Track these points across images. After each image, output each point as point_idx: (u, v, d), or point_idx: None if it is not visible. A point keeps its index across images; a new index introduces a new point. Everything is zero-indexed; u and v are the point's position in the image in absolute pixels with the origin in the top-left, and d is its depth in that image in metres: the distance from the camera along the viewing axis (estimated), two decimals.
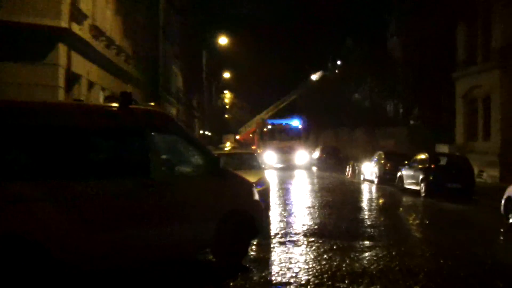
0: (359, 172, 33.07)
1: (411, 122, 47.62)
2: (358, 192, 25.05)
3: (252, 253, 10.68)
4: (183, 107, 50.32)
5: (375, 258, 10.42)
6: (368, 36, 58.10)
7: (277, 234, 12.89)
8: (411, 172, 23.95)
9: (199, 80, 58.00)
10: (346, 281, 8.80)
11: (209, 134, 70.79)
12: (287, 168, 41.50)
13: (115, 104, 8.96)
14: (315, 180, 31.84)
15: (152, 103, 10.93)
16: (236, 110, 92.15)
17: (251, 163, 18.28)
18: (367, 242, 11.99)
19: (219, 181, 9.64)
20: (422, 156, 23.89)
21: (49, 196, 7.61)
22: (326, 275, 9.14)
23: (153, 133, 8.94)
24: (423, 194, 22.15)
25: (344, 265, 9.86)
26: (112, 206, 8.13)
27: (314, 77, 73.74)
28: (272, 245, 11.58)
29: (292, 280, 8.84)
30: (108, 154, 8.65)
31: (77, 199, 7.83)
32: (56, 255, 7.55)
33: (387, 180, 27.66)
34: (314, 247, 11.38)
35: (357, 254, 10.76)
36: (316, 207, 18.18)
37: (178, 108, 46.85)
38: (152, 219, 8.51)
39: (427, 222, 16.11)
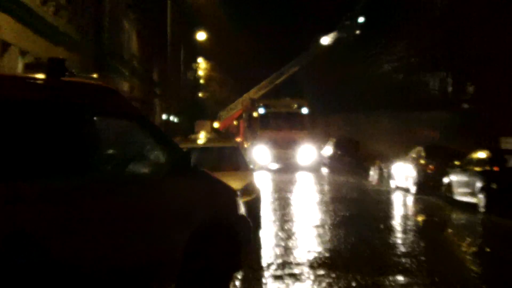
0: (389, 176, 33.12)
1: (465, 105, 47.68)
2: (386, 205, 25.09)
3: None
4: (138, 81, 50.27)
5: None
6: None
7: (271, 264, 12.85)
8: (464, 177, 23.94)
9: (162, 43, 57.83)
10: None
11: (176, 119, 70.75)
12: (286, 170, 41.58)
13: (40, 75, 8.86)
14: (326, 187, 31.92)
15: (94, 75, 10.89)
16: (215, 86, 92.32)
17: (235, 161, 18.27)
18: (400, 278, 11.96)
19: (188, 186, 9.63)
20: (481, 154, 23.88)
21: None
22: None
23: (94, 117, 8.86)
24: (482, 209, 22.09)
25: None
26: (31, 213, 7.97)
27: (325, 40, 73.87)
28: (263, 280, 11.56)
29: None
30: (27, 145, 8.44)
31: None
32: None
33: (429, 188, 27.71)
34: (323, 285, 11.33)
35: None
36: (326, 226, 18.19)
37: (132, 83, 46.79)
38: (87, 234, 8.37)
39: (488, 250, 16.08)
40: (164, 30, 56.51)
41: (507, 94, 40.47)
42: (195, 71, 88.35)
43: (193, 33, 72.40)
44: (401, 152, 34.19)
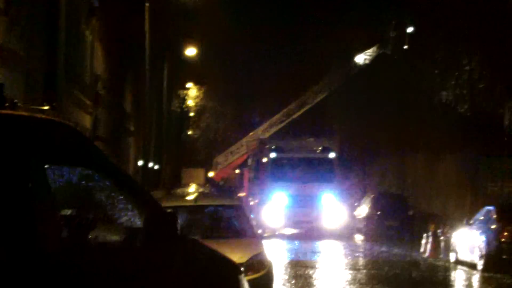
0: (448, 247, 33.10)
1: None
2: (443, 287, 25.08)
3: None
4: (105, 112, 50.34)
5: None
6: None
7: None
8: None
9: (138, 62, 58.03)
10: None
11: (157, 166, 70.87)
12: (307, 237, 41.57)
13: None
14: (361, 261, 31.95)
15: (45, 106, 10.93)
16: (209, 120, 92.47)
17: (238, 225, 18.31)
18: None
19: (172, 261, 9.62)
20: None
21: None
22: None
23: (45, 165, 8.93)
24: None
25: None
26: None
27: (361, 58, 74.33)
28: None
29: None
30: None
31: None
32: None
33: (504, 263, 27.66)
34: None
35: None
36: None
37: (96, 115, 46.84)
38: None
39: None
40: (141, 44, 56.64)
41: None
42: (183, 100, 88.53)
43: (180, 48, 72.71)
44: (465, 213, 34.18)
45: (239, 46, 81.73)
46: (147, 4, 53.89)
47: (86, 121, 42.63)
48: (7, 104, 9.04)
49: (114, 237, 9.71)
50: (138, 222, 9.60)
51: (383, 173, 66.14)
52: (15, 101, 9.42)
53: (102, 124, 48.35)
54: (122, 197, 9.69)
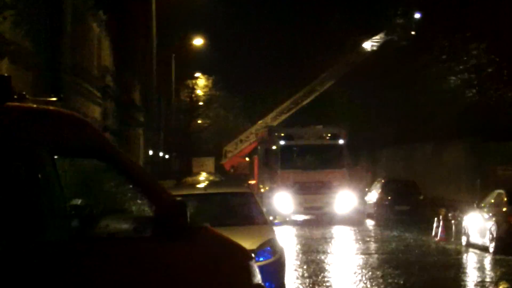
0: (459, 231, 33.09)
1: None
2: (456, 270, 25.02)
3: None
4: (114, 104, 50.32)
5: None
6: None
7: None
8: None
9: (145, 53, 57.99)
10: None
11: (167, 156, 70.85)
12: (318, 223, 41.60)
13: None
14: (372, 246, 31.93)
15: (53, 98, 10.89)
16: (219, 110, 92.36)
17: (248, 213, 18.31)
18: None
19: (183, 250, 9.52)
20: None
21: None
22: None
23: (53, 155, 8.94)
24: None
25: None
26: None
27: (369, 45, 74.17)
28: None
29: None
30: None
31: None
32: None
33: None
34: None
35: None
36: None
37: (105, 107, 46.81)
38: None
39: None
40: (148, 35, 56.61)
41: None
42: (192, 90, 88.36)
43: (188, 38, 72.58)
44: (476, 198, 34.12)
45: (247, 35, 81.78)
46: None
47: (95, 112, 42.63)
48: (15, 97, 9.01)
49: (124, 227, 9.60)
50: (148, 212, 9.54)
51: (393, 159, 66.13)
52: (24, 93, 9.40)
53: (111, 115, 48.33)
54: (131, 186, 9.66)
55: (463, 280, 22.95)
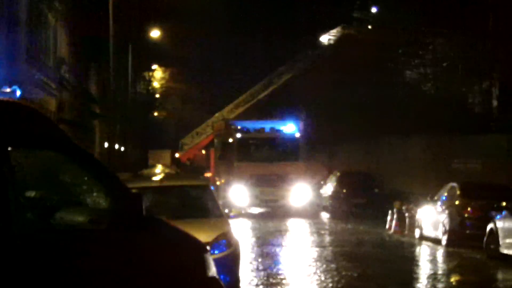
0: (413, 223, 33.34)
1: None
2: (409, 262, 25.30)
3: None
4: (70, 96, 50.16)
5: None
6: None
7: None
8: None
9: (102, 44, 57.78)
10: None
11: (123, 149, 70.71)
12: (273, 215, 41.70)
13: None
14: (327, 239, 32.08)
15: (7, 89, 10.90)
16: (175, 102, 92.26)
17: (204, 205, 18.32)
18: None
19: (139, 242, 9.61)
20: None
21: None
22: None
23: (10, 148, 8.93)
24: None
25: None
26: None
27: (326, 38, 74.33)
28: None
29: None
30: None
31: None
32: None
33: (467, 238, 27.92)
34: None
35: None
36: None
37: (61, 99, 46.63)
38: None
39: None
40: (105, 26, 56.45)
41: None
42: (149, 82, 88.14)
43: (145, 30, 72.44)
44: (430, 191, 34.29)
45: (203, 27, 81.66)
46: None
47: (51, 104, 42.34)
48: None
49: (80, 219, 9.55)
50: (103, 204, 9.58)
51: (350, 153, 66.31)
52: None
53: (67, 107, 48.11)
54: (87, 178, 9.69)
55: (416, 273, 23.16)
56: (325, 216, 44.70)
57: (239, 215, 37.23)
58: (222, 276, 10.82)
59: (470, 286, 20.71)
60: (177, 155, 66.57)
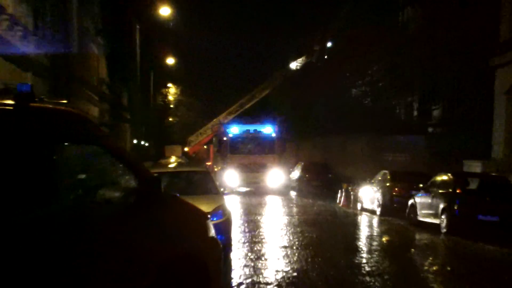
0: (356, 199, 33.43)
1: (430, 129, 48.10)
2: (353, 227, 25.33)
3: None
4: (108, 106, 50.04)
5: None
6: (371, 6, 58.66)
7: (241, 284, 13.05)
8: (428, 200, 24.30)
9: (131, 68, 57.64)
10: None
11: (147, 144, 70.51)
12: (256, 193, 41.66)
13: (8, 101, 8.93)
14: (294, 210, 31.97)
15: (64, 100, 10.88)
16: (185, 111, 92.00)
17: (205, 185, 18.34)
18: None
19: (158, 212, 9.62)
20: (444, 177, 24.25)
21: None
22: None
23: (63, 143, 8.99)
24: (444, 230, 22.48)
25: None
26: None
27: (294, 65, 74.25)
28: None
29: None
30: None
31: None
32: None
33: (394, 210, 28.05)
34: None
35: None
36: (295, 248, 18.39)
37: (102, 108, 46.57)
38: (53, 267, 8.37)
39: (449, 269, 16.37)
40: (133, 55, 56.34)
41: (472, 119, 40.83)
42: (165, 96, 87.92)
43: (163, 57, 72.30)
44: (369, 176, 34.34)
45: (207, 56, 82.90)
46: (137, 27, 53.59)
47: (95, 112, 42.36)
48: (36, 100, 9.03)
49: (116, 195, 9.62)
50: (132, 184, 9.60)
51: (311, 148, 66.31)
52: (42, 97, 9.43)
53: (106, 114, 48.08)
54: (120, 165, 9.75)
55: (358, 234, 23.26)
56: (293, 194, 44.67)
57: (231, 193, 37.08)
58: (219, 236, 10.89)
59: (396, 243, 20.78)
60: (185, 149, 66.18)
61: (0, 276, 7.64)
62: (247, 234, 21.11)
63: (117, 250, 8.89)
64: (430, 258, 17.85)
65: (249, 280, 13.44)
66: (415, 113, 51.95)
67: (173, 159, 54.32)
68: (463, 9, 40.81)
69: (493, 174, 29.03)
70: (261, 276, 13.97)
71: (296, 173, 50.14)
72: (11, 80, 21.84)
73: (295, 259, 16.44)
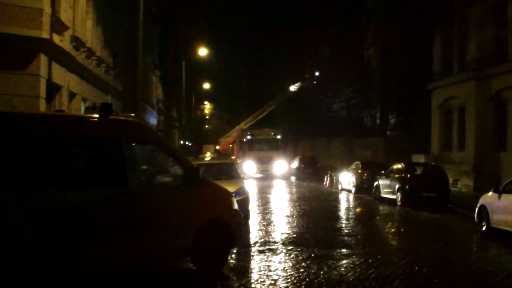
0: (337, 182, 33.21)
1: (388, 132, 47.93)
2: (335, 202, 25.17)
3: (232, 261, 10.72)
4: (163, 117, 50.16)
5: (352, 266, 10.53)
6: (345, 47, 58.68)
7: (256, 242, 12.94)
8: (387, 182, 24.14)
9: (178, 91, 57.75)
10: None
11: (189, 144, 70.59)
12: (266, 178, 41.50)
13: (95, 115, 8.99)
14: (294, 190, 31.87)
15: (132, 114, 10.90)
16: (216, 120, 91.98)
17: (231, 173, 18.21)
18: (344, 251, 12.08)
19: (198, 191, 9.66)
20: (398, 166, 24.11)
21: (21, 204, 7.70)
22: (304, 283, 9.22)
23: (132, 143, 8.99)
24: (399, 203, 22.34)
25: (321, 272, 9.94)
26: (88, 214, 8.19)
27: (293, 88, 74.16)
28: (251, 254, 11.64)
29: None
30: (87, 163, 8.77)
31: (54, 208, 7.89)
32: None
33: (364, 189, 27.83)
34: (292, 255, 11.44)
35: (334, 262, 10.86)
36: (294, 216, 18.26)
37: (158, 119, 46.70)
38: (130, 225, 8.56)
39: (403, 230, 16.27)
40: (180, 80, 56.29)
41: (416, 125, 40.94)
42: (202, 110, 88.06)
43: (201, 83, 72.28)
44: (345, 165, 34.30)
45: (232, 79, 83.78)
46: (183, 62, 53.64)
47: (154, 121, 42.48)
48: (113, 113, 9.11)
49: (168, 180, 9.76)
50: (179, 172, 9.63)
51: (305, 147, 66.23)
52: (118, 112, 9.49)
53: (161, 123, 48.21)
54: (171, 159, 9.74)
55: (338, 207, 23.09)
56: (292, 179, 44.38)
57: (249, 178, 36.96)
58: (240, 209, 10.83)
59: (365, 212, 20.63)
60: (217, 147, 66.05)
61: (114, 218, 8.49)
62: (261, 207, 20.98)
63: (174, 212, 9.28)
64: (390, 223, 17.74)
65: (262, 240, 13.37)
66: (378, 121, 51.83)
67: (208, 154, 54.20)
68: (408, 49, 41.50)
69: (432, 164, 29.13)
70: (270, 237, 13.89)
71: (294, 164, 49.88)
72: (97, 101, 22.00)
73: (294, 224, 16.35)
